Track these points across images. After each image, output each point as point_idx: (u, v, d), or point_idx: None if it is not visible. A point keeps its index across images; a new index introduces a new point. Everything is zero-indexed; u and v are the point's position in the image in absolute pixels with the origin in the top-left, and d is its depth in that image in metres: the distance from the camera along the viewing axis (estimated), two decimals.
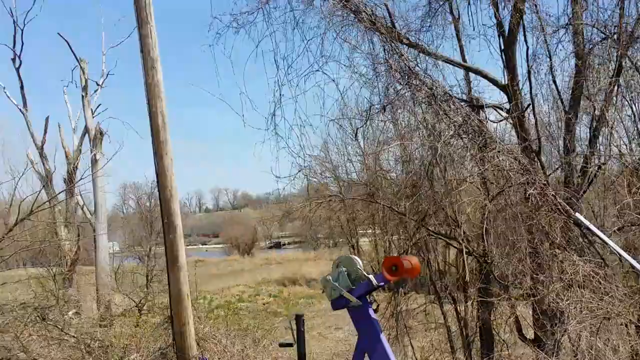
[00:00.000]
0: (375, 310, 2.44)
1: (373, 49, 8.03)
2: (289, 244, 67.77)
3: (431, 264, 14.26)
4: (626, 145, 8.72)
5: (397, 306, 11.15)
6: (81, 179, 15.67)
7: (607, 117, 8.25)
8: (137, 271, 23.19)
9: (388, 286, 13.77)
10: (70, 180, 18.51)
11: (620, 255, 3.66)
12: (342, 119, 13.31)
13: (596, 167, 8.42)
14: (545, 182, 7.21)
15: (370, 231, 37.28)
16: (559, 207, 6.74)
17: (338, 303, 2.45)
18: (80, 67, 16.88)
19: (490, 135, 6.96)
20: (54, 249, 18.60)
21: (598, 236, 4.45)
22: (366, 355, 2.38)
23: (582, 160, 8.41)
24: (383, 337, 2.30)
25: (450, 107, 7.34)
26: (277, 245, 69.53)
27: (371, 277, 2.32)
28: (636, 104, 8.65)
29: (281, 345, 2.80)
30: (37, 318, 7.85)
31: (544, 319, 8.00)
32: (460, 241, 9.61)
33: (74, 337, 8.06)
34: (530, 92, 8.51)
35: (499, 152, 6.74)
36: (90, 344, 8.18)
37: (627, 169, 8.07)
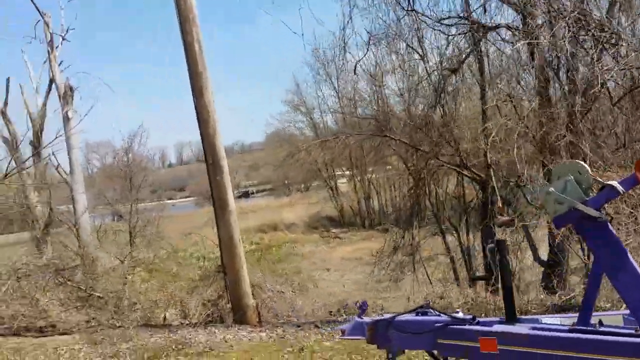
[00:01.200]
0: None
1: None
2: (257, 192, 67.42)
3: (431, 196, 14.32)
4: None
5: (412, 238, 11.14)
6: (56, 137, 15.05)
7: None
8: (119, 228, 22.73)
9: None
10: (37, 142, 18.05)
11: None
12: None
13: None
14: None
15: (347, 172, 37.37)
16: None
17: (566, 218, 2.00)
18: (44, 21, 16.17)
19: (615, 29, 6.35)
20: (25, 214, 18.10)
21: None
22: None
23: None
24: (629, 255, 1.94)
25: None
26: (246, 195, 69.01)
27: (613, 183, 1.92)
28: None
29: (475, 278, 2.41)
30: (60, 279, 7.36)
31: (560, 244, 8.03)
32: (477, 171, 9.54)
33: (99, 296, 7.68)
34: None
35: (628, 46, 6.13)
36: (117, 303, 7.82)
37: None
